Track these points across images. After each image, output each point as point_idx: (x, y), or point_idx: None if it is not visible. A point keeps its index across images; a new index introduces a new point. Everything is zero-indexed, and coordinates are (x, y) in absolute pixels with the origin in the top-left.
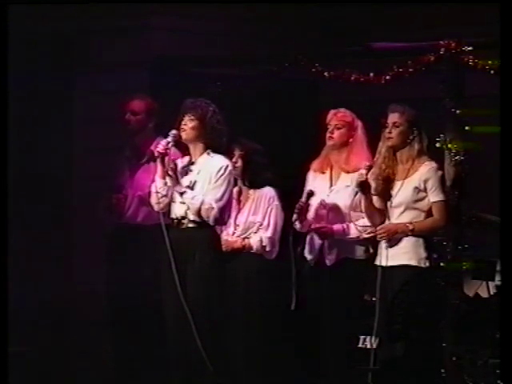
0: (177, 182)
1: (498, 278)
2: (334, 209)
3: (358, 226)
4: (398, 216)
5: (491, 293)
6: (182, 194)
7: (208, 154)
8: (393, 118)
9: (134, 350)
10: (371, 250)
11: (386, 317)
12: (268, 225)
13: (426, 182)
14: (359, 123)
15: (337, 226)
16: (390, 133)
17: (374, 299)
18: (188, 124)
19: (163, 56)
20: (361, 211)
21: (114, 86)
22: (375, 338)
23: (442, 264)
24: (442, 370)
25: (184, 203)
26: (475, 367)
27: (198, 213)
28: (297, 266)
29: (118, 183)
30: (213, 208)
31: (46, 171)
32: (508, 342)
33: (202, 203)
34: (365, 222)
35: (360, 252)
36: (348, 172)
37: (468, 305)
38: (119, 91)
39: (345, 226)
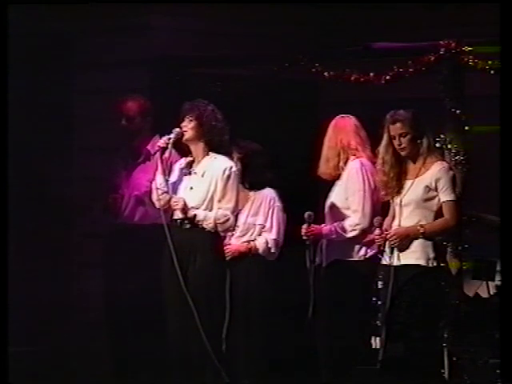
0: (185, 207)
1: (498, 278)
2: (332, 208)
3: (346, 224)
4: (408, 215)
5: (491, 293)
6: (194, 218)
7: (210, 155)
8: (396, 129)
9: (134, 350)
10: (366, 250)
11: (392, 316)
12: (271, 226)
13: (437, 181)
14: (329, 127)
15: (325, 227)
16: (400, 144)
17: (375, 299)
18: (188, 125)
19: (163, 56)
20: (348, 208)
21: (113, 85)
22: (383, 338)
23: (442, 264)
24: (442, 370)
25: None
26: (475, 367)
27: (215, 229)
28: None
29: (114, 183)
30: (229, 219)
31: (45, 171)
32: (508, 342)
33: (215, 220)
34: (352, 220)
35: (353, 253)
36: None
37: (468, 305)
38: (119, 91)
39: (333, 226)
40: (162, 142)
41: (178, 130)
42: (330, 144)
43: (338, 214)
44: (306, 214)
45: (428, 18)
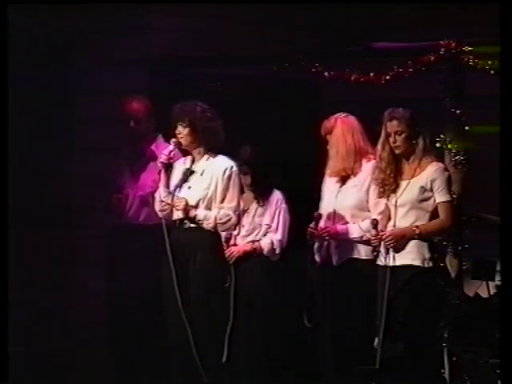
0: (186, 207)
1: (498, 278)
2: (341, 209)
3: (363, 226)
4: (403, 216)
5: (491, 293)
6: (194, 217)
7: (210, 155)
8: (392, 126)
9: (135, 351)
10: (377, 251)
11: (389, 317)
12: (277, 227)
13: (432, 182)
14: (337, 125)
15: (341, 227)
16: (395, 142)
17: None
18: (182, 132)
19: (163, 56)
20: (368, 211)
21: (114, 85)
22: (380, 338)
23: (441, 264)
24: (442, 370)
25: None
26: (475, 367)
27: (215, 228)
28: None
29: (117, 183)
30: (230, 218)
31: (45, 171)
32: (508, 342)
33: (215, 219)
34: (369, 222)
35: (367, 252)
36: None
37: (468, 305)
38: (119, 91)
39: (349, 226)
40: (164, 157)
41: (174, 140)
42: (347, 143)
43: (349, 215)
44: (316, 214)
45: (428, 17)
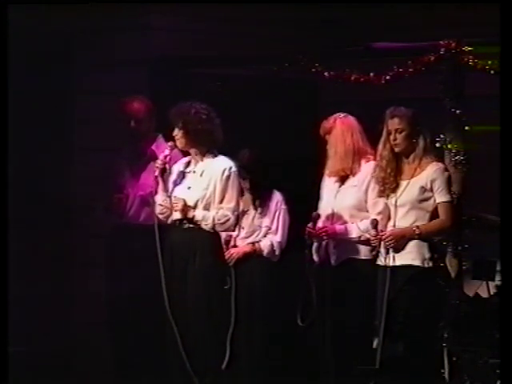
0: (184, 208)
1: (498, 278)
2: (340, 209)
3: (361, 226)
4: (403, 216)
5: (491, 293)
6: (192, 218)
7: (209, 155)
8: (393, 124)
9: (135, 351)
10: (376, 250)
11: (389, 317)
12: (277, 229)
13: (432, 182)
14: (336, 125)
15: (339, 226)
16: (395, 139)
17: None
18: (178, 134)
19: (163, 56)
20: (367, 211)
21: (114, 85)
22: (380, 338)
23: (441, 264)
24: (442, 370)
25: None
26: (475, 367)
27: (214, 229)
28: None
29: (118, 183)
30: (229, 219)
31: (45, 171)
32: (508, 342)
33: (213, 220)
34: (367, 222)
35: (365, 252)
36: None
37: (468, 305)
38: (119, 91)
39: (347, 226)
40: (160, 163)
41: (170, 143)
42: (346, 143)
43: (348, 215)
44: (314, 214)
45: (428, 17)
